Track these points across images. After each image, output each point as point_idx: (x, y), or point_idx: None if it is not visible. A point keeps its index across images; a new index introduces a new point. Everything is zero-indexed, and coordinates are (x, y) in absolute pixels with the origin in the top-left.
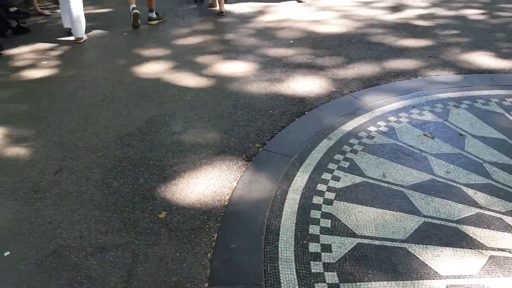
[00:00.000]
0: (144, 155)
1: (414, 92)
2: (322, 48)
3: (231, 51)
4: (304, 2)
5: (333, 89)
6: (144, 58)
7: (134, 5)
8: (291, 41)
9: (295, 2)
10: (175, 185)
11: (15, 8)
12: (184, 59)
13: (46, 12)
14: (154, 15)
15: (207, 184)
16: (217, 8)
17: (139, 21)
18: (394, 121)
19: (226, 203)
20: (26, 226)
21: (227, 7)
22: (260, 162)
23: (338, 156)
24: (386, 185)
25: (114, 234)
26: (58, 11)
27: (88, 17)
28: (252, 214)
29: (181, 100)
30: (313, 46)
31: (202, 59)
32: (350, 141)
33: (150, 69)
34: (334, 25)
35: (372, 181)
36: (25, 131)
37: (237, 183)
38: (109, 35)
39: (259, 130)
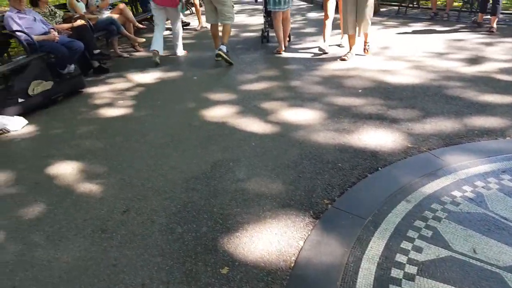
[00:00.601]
0: (208, 201)
1: (503, 154)
2: (394, 99)
3: (297, 98)
4: (347, 60)
5: (409, 145)
6: (212, 102)
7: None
8: (360, 91)
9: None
10: (238, 238)
11: (99, 51)
12: (249, 104)
13: (125, 54)
14: (225, 49)
15: (272, 240)
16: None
17: (227, 59)
18: (482, 187)
19: (292, 264)
20: (92, 267)
21: (293, 54)
22: (329, 221)
23: (419, 223)
24: (478, 263)
25: (175, 286)
26: (136, 53)
27: (161, 61)
28: (321, 281)
29: (246, 146)
30: (384, 97)
31: (267, 105)
32: (432, 206)
33: (217, 113)
34: (406, 76)
35: (460, 256)
36: (98, 167)
37: (304, 242)
38: (180, 78)
39: (328, 184)
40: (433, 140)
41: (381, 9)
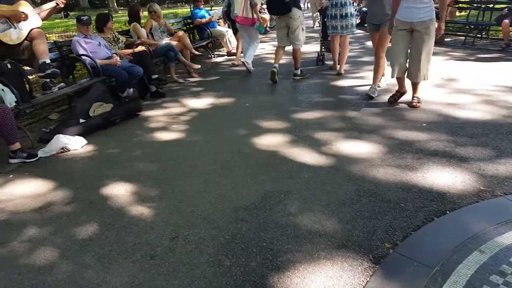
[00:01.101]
0: (258, 234)
1: None
2: (462, 135)
3: (353, 129)
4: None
5: (482, 187)
6: (263, 129)
7: (276, 65)
8: (424, 124)
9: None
10: (289, 278)
11: (156, 75)
12: (302, 134)
13: (180, 80)
14: (299, 72)
15: (326, 284)
16: (337, 69)
17: (276, 77)
18: None
19: None
20: None
21: (349, 82)
22: (391, 268)
23: (495, 278)
24: None
25: None
26: (191, 79)
27: (215, 86)
28: None
29: (298, 177)
30: (452, 133)
31: (321, 135)
32: (511, 259)
33: (268, 141)
34: (475, 111)
35: None
36: (150, 190)
37: None
38: (232, 104)
39: (389, 226)
40: (509, 184)
41: (446, 39)
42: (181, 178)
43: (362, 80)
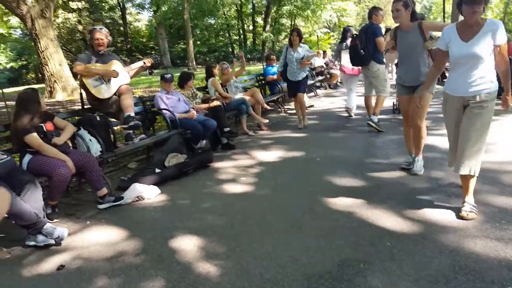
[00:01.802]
0: None
1: None
2: None
3: (441, 192)
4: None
5: None
6: (336, 187)
7: (369, 117)
8: None
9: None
10: None
11: (228, 128)
12: (380, 195)
13: (251, 132)
14: (375, 119)
15: None
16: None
17: (377, 127)
18: None
19: None
20: None
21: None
22: None
23: None
24: None
25: None
26: (261, 132)
27: (284, 140)
28: None
29: (379, 245)
30: None
31: (403, 197)
32: None
33: (342, 200)
34: None
35: None
36: (217, 246)
37: None
38: (302, 158)
39: None
40: None
41: None
42: (249, 235)
43: (444, 137)
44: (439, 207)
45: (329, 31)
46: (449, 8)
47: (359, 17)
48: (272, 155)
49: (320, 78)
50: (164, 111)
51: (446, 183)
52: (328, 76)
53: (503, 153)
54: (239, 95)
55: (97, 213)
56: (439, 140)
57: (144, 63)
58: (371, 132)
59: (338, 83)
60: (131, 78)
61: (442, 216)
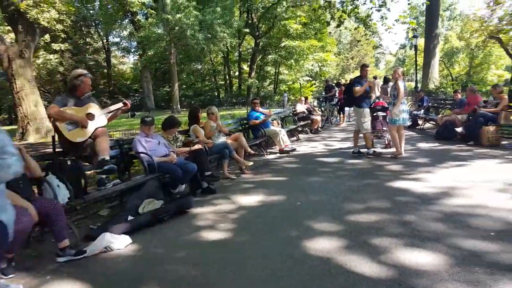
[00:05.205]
0: None
1: None
2: None
3: (414, 236)
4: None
5: None
6: (316, 232)
7: (354, 149)
8: (492, 233)
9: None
10: None
11: (210, 172)
12: (358, 239)
13: (233, 176)
14: (371, 151)
15: None
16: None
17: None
18: None
19: None
20: None
21: (405, 184)
22: None
23: None
24: None
25: None
26: (243, 175)
27: (266, 184)
28: None
29: None
30: None
31: (378, 241)
32: None
33: (321, 245)
34: None
35: None
36: None
37: None
38: (283, 202)
39: None
40: None
41: (503, 142)
42: (225, 287)
43: (417, 182)
44: (414, 251)
45: (311, 79)
46: (420, 60)
47: (339, 67)
48: (253, 199)
49: (302, 123)
50: (142, 155)
51: (419, 228)
52: (309, 122)
53: (474, 197)
54: (222, 139)
55: (60, 266)
56: (412, 184)
57: (124, 104)
58: (348, 177)
59: (319, 128)
60: (109, 120)
61: (416, 260)
